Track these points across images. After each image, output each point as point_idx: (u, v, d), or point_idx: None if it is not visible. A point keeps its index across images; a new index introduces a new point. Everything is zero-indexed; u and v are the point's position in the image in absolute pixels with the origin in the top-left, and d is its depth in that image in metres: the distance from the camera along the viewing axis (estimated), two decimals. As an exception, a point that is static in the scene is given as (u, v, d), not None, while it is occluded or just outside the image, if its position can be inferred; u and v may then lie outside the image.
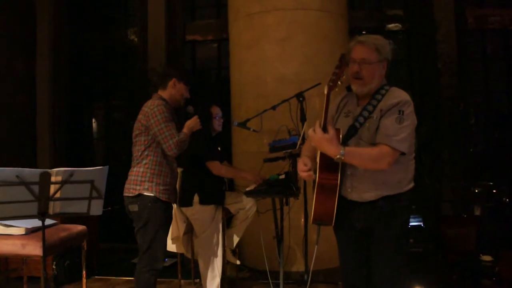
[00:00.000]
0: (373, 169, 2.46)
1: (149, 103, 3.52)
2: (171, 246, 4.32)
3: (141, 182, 3.41)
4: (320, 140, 2.36)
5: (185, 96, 3.68)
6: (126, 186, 3.48)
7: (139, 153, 3.49)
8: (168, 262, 5.29)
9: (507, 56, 7.85)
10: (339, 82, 2.43)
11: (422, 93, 7.16)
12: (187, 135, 3.52)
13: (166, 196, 3.47)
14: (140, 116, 3.50)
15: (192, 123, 3.60)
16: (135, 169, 3.49)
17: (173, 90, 3.62)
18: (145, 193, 3.40)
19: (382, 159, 2.41)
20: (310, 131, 2.40)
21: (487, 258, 5.20)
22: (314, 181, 2.55)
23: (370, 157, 2.42)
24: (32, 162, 7.62)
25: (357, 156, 2.41)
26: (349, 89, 2.69)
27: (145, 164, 3.45)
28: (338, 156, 2.33)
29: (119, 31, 8.43)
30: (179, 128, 3.55)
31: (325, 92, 2.41)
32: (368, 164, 2.44)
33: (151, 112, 3.42)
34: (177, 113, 3.71)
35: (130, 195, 3.44)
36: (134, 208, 3.43)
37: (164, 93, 3.62)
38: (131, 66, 8.12)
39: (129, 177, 3.50)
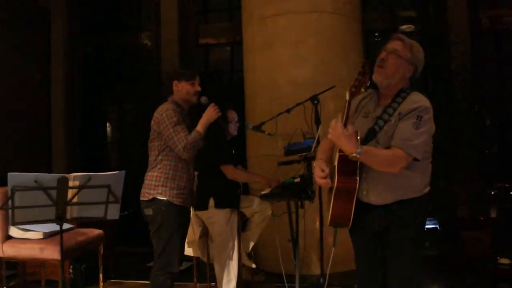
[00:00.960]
0: (385, 171, 2.44)
1: (159, 108, 3.52)
2: (187, 250, 4.34)
3: (155, 187, 3.43)
4: (339, 135, 2.33)
5: (193, 92, 3.59)
6: (142, 190, 3.51)
7: (153, 158, 3.51)
8: (183, 265, 5.29)
9: (522, 57, 7.77)
10: (362, 89, 2.42)
11: (436, 94, 7.13)
12: (200, 133, 3.46)
13: (181, 200, 3.47)
14: (152, 122, 3.51)
15: (207, 115, 3.54)
16: (149, 173, 3.51)
17: (179, 91, 3.59)
18: (159, 197, 3.42)
19: (395, 163, 2.40)
20: (332, 122, 2.37)
21: (505, 261, 5.14)
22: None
23: (384, 159, 2.41)
24: (47, 166, 7.68)
25: (373, 156, 2.40)
26: (372, 86, 2.67)
27: (159, 168, 3.46)
28: (354, 154, 2.31)
29: (132, 34, 8.48)
30: (192, 129, 3.52)
31: (347, 98, 2.39)
32: (381, 166, 2.43)
33: (160, 117, 3.42)
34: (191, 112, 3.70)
35: (145, 199, 3.46)
36: (149, 212, 3.46)
37: (174, 97, 3.62)
38: (145, 70, 8.18)
39: (144, 182, 3.52)
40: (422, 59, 2.61)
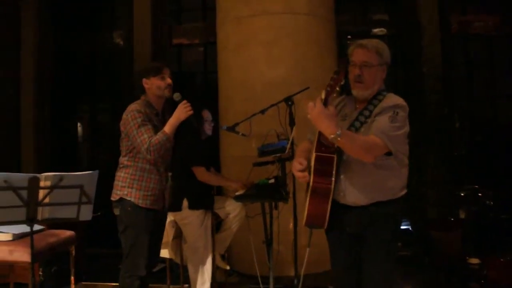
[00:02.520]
0: (359, 158, 2.42)
1: (127, 108, 3.41)
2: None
3: (122, 187, 3.37)
4: (319, 115, 2.28)
5: (164, 87, 3.42)
6: (112, 190, 3.46)
7: (122, 158, 3.45)
8: (156, 267, 5.24)
9: (489, 62, 7.96)
10: (337, 88, 2.39)
11: (407, 97, 7.21)
12: (167, 133, 3.29)
13: (148, 203, 3.37)
14: (120, 123, 3.43)
15: (177, 114, 3.34)
16: (117, 173, 3.45)
17: (150, 89, 3.45)
18: (126, 198, 3.35)
19: (372, 149, 2.38)
20: (310, 104, 2.31)
21: (474, 261, 5.24)
22: (307, 185, 2.55)
23: (362, 144, 2.38)
24: (16, 165, 7.52)
25: (351, 140, 2.36)
26: (347, 92, 2.69)
27: (127, 169, 3.40)
28: (333, 136, 2.26)
29: (105, 34, 8.38)
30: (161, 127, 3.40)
31: (322, 97, 2.35)
32: (358, 151, 2.39)
33: (126, 118, 3.34)
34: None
35: (114, 199, 3.41)
36: (116, 212, 3.41)
37: (146, 96, 3.49)
38: (117, 69, 8.09)
39: (114, 182, 3.46)
40: (388, 53, 2.64)
